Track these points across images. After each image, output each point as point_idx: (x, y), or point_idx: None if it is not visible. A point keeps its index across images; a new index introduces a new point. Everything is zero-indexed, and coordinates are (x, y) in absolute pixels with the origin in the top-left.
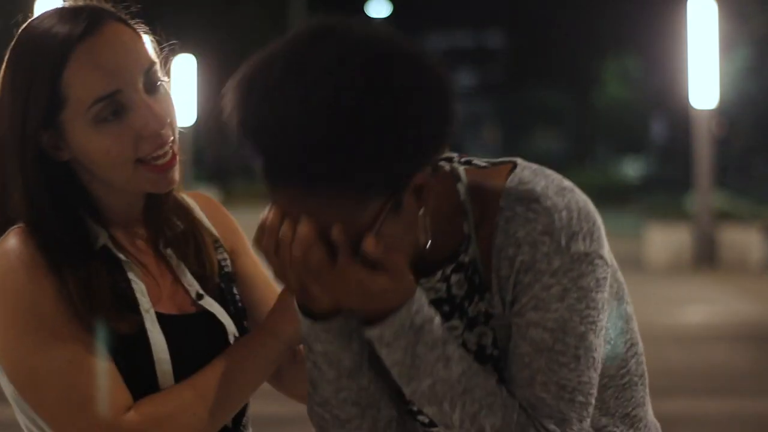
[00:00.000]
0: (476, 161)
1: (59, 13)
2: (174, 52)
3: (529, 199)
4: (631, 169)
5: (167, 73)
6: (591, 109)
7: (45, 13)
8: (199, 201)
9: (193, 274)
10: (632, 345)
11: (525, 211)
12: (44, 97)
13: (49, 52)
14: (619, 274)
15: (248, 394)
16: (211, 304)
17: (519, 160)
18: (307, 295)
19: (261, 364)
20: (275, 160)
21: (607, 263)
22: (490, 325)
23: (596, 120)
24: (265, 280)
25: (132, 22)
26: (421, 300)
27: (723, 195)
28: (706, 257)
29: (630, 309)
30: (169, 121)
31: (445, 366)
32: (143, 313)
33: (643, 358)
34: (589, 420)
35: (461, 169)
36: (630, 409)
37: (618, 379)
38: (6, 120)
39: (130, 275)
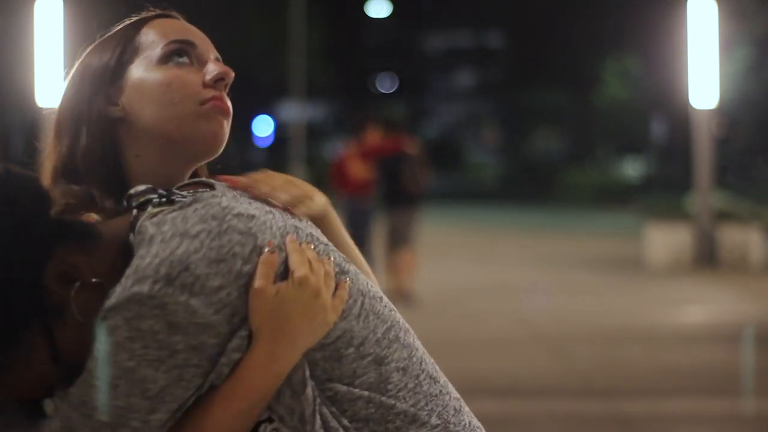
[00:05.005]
0: (176, 195)
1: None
2: None
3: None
4: (631, 169)
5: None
6: (591, 109)
7: None
8: None
9: None
10: None
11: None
12: (119, 51)
13: (131, 22)
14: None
15: None
16: None
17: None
18: None
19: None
20: None
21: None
22: None
23: (596, 120)
24: None
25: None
26: None
27: (723, 195)
28: (706, 257)
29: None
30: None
31: None
32: None
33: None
34: None
35: (148, 214)
36: None
37: None
38: (83, 79)
39: None
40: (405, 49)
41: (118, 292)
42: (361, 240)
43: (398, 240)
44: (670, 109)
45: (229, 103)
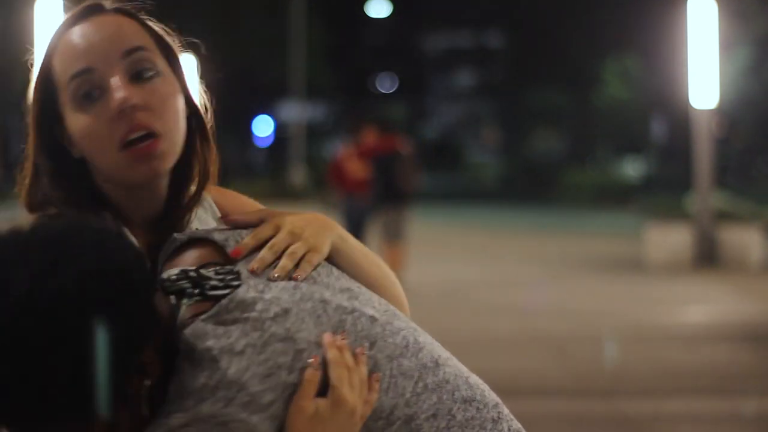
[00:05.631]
0: (207, 284)
1: (67, 12)
2: (184, 49)
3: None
4: (631, 169)
5: (178, 72)
6: (591, 109)
7: None
8: (212, 192)
9: None
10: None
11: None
12: (46, 88)
13: (48, 46)
14: None
15: None
16: None
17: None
18: None
19: None
20: None
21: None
22: None
23: (596, 120)
24: None
25: (138, 14)
26: None
27: (723, 195)
28: (706, 257)
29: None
30: (151, 109)
31: None
32: None
33: None
34: None
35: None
36: None
37: None
38: (32, 113)
39: None
40: (405, 49)
41: (179, 411)
42: (357, 237)
43: (391, 235)
44: (670, 109)
45: (151, 124)
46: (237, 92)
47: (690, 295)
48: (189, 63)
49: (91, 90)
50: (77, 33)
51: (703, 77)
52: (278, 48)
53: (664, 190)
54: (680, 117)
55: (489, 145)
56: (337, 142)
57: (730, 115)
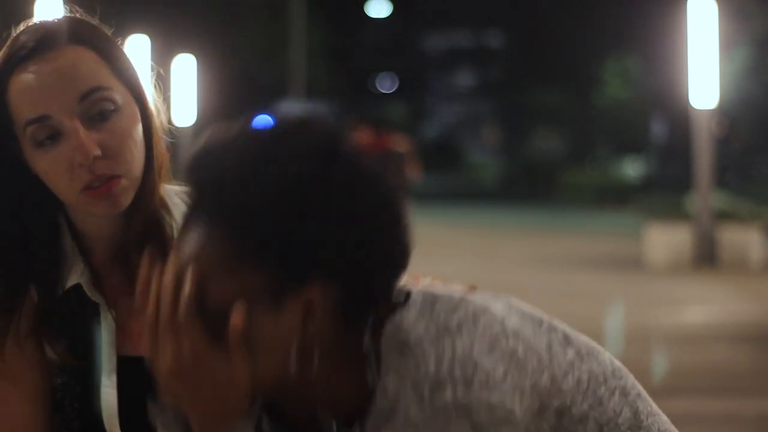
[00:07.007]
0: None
1: (20, 31)
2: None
3: (402, 347)
4: (631, 169)
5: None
6: (591, 109)
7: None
8: None
9: None
10: None
11: (398, 359)
12: (1, 111)
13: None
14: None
15: None
16: None
17: (415, 293)
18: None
19: None
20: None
21: (497, 410)
22: None
23: (596, 120)
24: None
25: (93, 37)
26: None
27: (723, 195)
28: (706, 257)
29: None
30: (111, 156)
31: None
32: (104, 364)
33: None
34: None
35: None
36: None
37: None
38: None
39: (102, 319)
40: (405, 49)
41: (409, 406)
42: None
43: None
44: (670, 109)
45: (112, 171)
46: (237, 92)
47: (690, 295)
48: (189, 63)
49: (48, 135)
50: (32, 71)
51: (703, 77)
52: (278, 48)
53: (664, 190)
54: (680, 117)
55: (489, 145)
56: None
57: (730, 115)
